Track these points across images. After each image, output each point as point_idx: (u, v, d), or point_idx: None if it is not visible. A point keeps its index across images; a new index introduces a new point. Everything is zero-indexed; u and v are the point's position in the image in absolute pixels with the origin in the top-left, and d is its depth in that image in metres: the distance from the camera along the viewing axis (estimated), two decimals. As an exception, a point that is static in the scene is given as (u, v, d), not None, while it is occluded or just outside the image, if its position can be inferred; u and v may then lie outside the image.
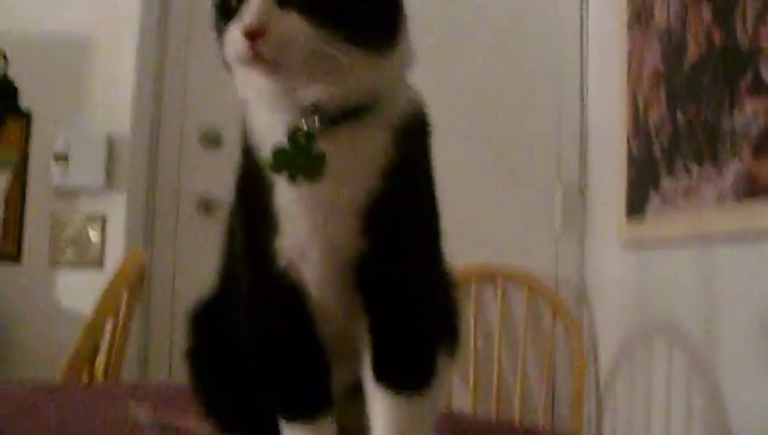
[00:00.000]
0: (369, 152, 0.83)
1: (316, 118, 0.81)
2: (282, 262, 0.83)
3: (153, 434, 0.95)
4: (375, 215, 0.82)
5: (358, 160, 0.82)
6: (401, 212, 0.84)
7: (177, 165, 2.97)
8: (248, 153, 0.87)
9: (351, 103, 0.81)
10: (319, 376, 0.85)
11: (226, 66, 0.84)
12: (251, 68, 0.78)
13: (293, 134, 0.81)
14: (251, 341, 0.85)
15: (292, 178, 0.80)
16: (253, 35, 0.75)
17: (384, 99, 0.84)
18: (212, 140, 2.96)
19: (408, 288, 0.85)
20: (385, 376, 0.84)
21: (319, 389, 0.84)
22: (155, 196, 2.94)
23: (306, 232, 0.82)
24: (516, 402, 2.68)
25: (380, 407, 0.83)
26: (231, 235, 0.92)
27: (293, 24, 0.76)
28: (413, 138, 0.86)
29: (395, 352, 0.85)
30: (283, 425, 0.83)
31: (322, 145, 0.80)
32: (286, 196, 0.82)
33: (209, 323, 0.93)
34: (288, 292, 0.83)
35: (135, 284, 1.96)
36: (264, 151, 0.83)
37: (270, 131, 0.83)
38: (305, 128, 0.81)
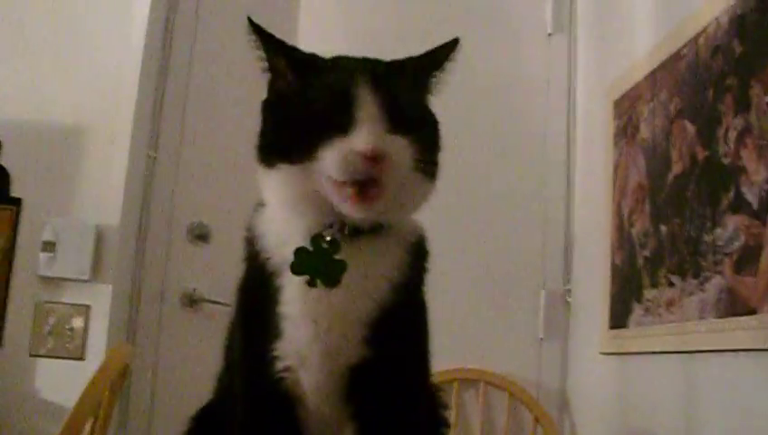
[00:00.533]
0: (386, 266, 0.85)
1: (344, 227, 0.83)
2: (280, 366, 0.83)
3: None
4: (380, 325, 0.83)
5: (374, 272, 0.85)
6: (403, 324, 0.86)
7: (163, 258, 2.97)
8: (254, 258, 0.89)
9: (383, 221, 0.84)
10: None
11: (266, 162, 0.87)
12: (356, 188, 0.80)
13: (316, 238, 0.83)
14: None
15: (312, 281, 0.82)
16: (375, 158, 0.76)
17: (403, 220, 0.87)
18: (200, 235, 2.98)
19: (400, 398, 0.86)
20: None
21: None
22: (140, 289, 2.94)
23: (309, 338, 0.83)
24: None
25: None
26: (231, 343, 0.93)
27: (404, 149, 0.79)
28: (420, 257, 0.90)
29: None
30: None
31: (343, 254, 0.82)
32: (293, 301, 0.83)
33: (207, 428, 0.93)
34: (283, 398, 0.84)
35: (117, 381, 1.95)
36: (276, 257, 0.84)
37: (289, 236, 0.84)
38: (328, 235, 0.83)
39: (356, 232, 0.84)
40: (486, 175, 3.09)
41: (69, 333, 2.73)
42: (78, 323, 2.73)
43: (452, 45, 0.96)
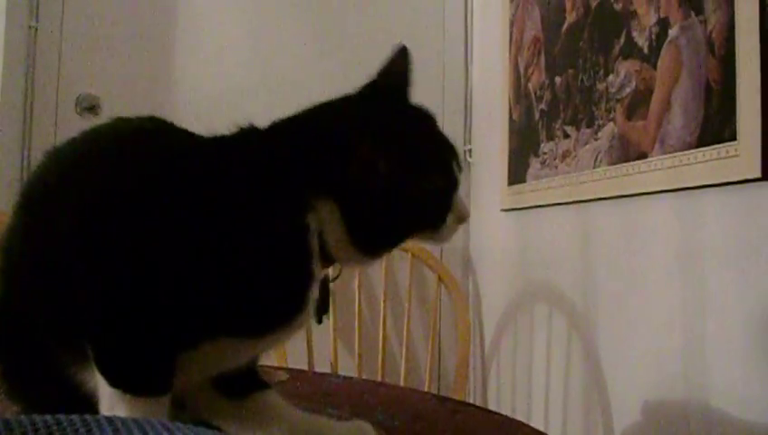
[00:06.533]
0: None
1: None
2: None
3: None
4: None
5: None
6: None
7: (52, 133, 2.85)
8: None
9: None
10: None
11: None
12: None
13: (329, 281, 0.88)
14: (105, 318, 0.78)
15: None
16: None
17: None
18: (89, 107, 2.86)
19: None
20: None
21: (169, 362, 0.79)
22: (29, 164, 2.82)
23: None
24: (402, 370, 2.68)
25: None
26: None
27: None
28: None
29: None
30: (120, 398, 0.76)
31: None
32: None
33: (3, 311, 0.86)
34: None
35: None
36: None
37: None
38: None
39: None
40: (384, 36, 3.02)
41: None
42: (-37, 203, 2.62)
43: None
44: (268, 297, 0.76)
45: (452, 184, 0.87)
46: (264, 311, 0.77)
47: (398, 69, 0.97)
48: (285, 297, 0.77)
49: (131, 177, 0.77)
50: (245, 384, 0.88)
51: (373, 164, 0.79)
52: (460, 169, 0.88)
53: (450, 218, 0.86)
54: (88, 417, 0.48)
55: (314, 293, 0.80)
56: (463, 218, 0.88)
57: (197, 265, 0.73)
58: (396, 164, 0.80)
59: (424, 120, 0.91)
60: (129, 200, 0.76)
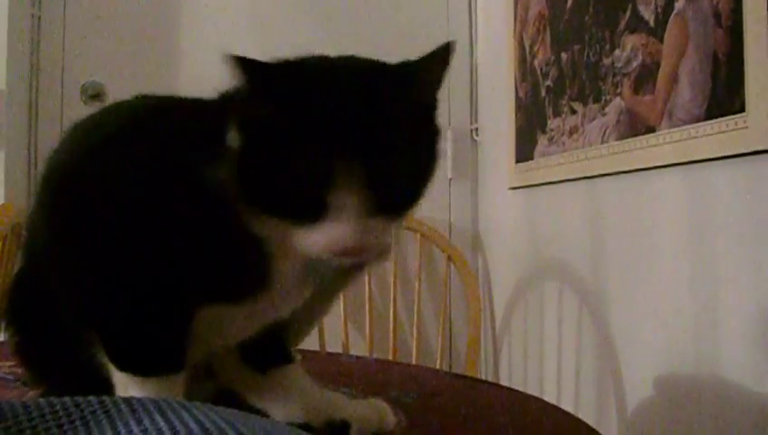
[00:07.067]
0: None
1: None
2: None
3: (16, 388, 0.91)
4: None
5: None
6: None
7: (58, 122, 2.85)
8: None
9: None
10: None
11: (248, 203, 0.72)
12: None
13: None
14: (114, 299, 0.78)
15: None
16: (358, 251, 0.68)
17: None
18: (94, 94, 2.86)
19: None
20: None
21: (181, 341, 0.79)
22: (36, 153, 2.83)
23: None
24: (414, 350, 2.68)
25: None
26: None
27: (386, 231, 0.70)
28: None
29: None
30: (131, 380, 0.77)
31: None
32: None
33: (26, 290, 0.87)
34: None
35: (11, 238, 1.88)
36: None
37: None
38: None
39: None
40: (389, 14, 3.01)
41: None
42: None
43: (447, 51, 0.79)
44: (224, 262, 0.75)
45: (318, 178, 0.68)
46: (227, 277, 0.75)
47: None
48: (237, 264, 0.75)
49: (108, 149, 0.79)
50: (270, 358, 0.89)
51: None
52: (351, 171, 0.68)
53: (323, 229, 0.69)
54: (106, 398, 0.49)
55: (281, 265, 0.76)
56: (332, 246, 0.69)
57: (161, 231, 0.73)
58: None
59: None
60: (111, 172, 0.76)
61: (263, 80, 0.70)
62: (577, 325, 2.18)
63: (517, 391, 1.02)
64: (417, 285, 2.67)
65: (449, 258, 2.72)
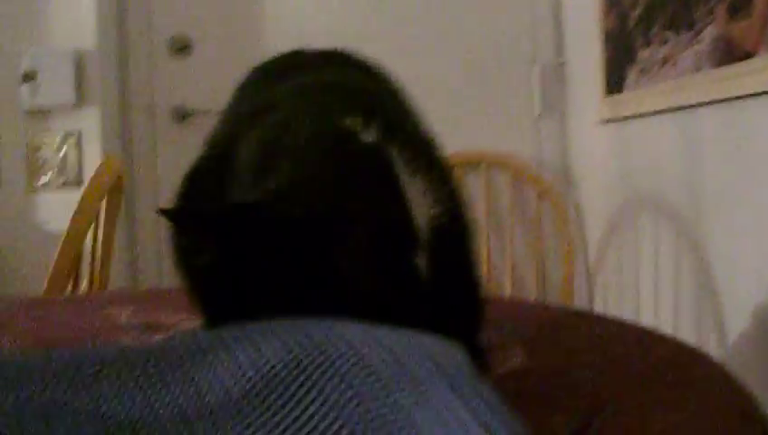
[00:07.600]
0: None
1: None
2: None
3: (134, 333, 0.95)
4: None
5: None
6: None
7: (148, 75, 2.91)
8: None
9: None
10: None
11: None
12: None
13: None
14: None
15: None
16: None
17: None
18: (181, 47, 2.90)
19: None
20: None
21: None
22: (129, 108, 2.89)
23: None
24: (508, 288, 2.70)
25: None
26: None
27: None
28: None
29: None
30: None
31: None
32: None
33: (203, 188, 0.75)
34: None
35: (113, 192, 1.93)
36: None
37: None
38: None
39: None
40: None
41: (63, 161, 2.71)
42: (72, 150, 2.71)
43: None
44: None
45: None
46: None
47: None
48: None
49: None
50: None
51: None
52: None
53: None
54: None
55: None
56: None
57: None
58: None
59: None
60: None
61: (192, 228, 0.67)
62: (674, 256, 2.16)
63: (642, 327, 1.00)
64: (510, 220, 2.67)
65: (540, 195, 2.71)
